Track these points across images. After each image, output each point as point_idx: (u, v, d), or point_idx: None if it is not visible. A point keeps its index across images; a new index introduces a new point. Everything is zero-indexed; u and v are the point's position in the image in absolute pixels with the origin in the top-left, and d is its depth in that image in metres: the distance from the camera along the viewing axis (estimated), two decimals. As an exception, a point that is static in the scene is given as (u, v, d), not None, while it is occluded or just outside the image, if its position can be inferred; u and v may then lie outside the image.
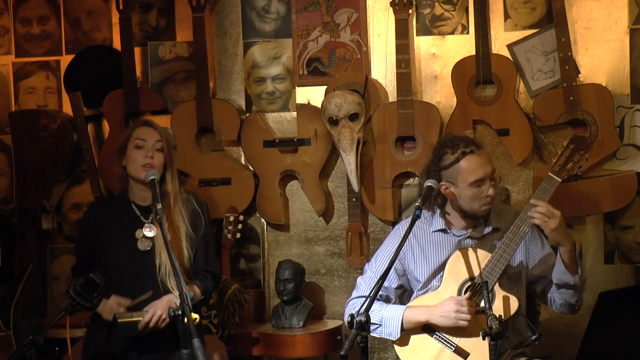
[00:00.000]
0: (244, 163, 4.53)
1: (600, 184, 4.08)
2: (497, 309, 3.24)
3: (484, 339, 3.03)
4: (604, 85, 4.12)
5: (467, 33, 4.29)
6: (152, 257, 3.64)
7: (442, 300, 3.28)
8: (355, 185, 4.24)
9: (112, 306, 3.55)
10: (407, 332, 3.37)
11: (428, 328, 3.34)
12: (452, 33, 4.32)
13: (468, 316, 3.21)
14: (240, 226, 4.37)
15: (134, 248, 3.66)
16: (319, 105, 4.33)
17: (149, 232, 3.64)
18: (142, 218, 3.70)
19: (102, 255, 3.68)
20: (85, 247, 3.76)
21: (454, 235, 3.47)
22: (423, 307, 3.34)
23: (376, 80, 4.37)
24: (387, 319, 3.37)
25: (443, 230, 3.49)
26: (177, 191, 3.71)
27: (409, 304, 3.40)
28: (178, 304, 3.44)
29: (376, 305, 3.35)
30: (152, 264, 3.63)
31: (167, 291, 3.60)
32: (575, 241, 3.36)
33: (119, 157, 3.74)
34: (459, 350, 3.28)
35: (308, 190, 4.43)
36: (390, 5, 4.27)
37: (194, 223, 3.73)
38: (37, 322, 4.59)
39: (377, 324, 3.36)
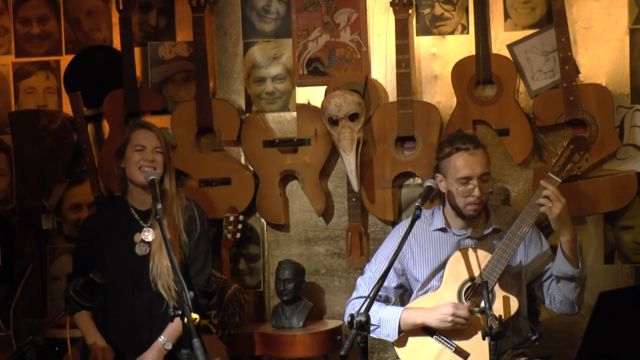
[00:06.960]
0: (244, 163, 4.52)
1: (600, 184, 4.07)
2: (498, 309, 3.24)
3: (484, 339, 3.03)
4: (604, 85, 4.12)
5: (467, 33, 4.28)
6: (149, 261, 3.61)
7: (441, 304, 3.28)
8: (355, 185, 4.24)
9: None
10: (406, 333, 3.37)
11: (428, 329, 3.34)
12: (452, 33, 4.32)
13: (464, 320, 3.21)
14: (240, 226, 4.37)
15: (132, 253, 3.64)
16: (319, 105, 4.33)
17: (147, 236, 3.62)
18: (141, 222, 3.68)
19: (101, 262, 3.65)
20: (84, 256, 3.74)
21: (453, 234, 3.48)
22: (420, 309, 3.34)
23: (376, 80, 4.37)
24: (385, 320, 3.38)
25: (443, 230, 3.50)
26: (174, 192, 3.68)
27: (407, 306, 3.41)
28: (168, 349, 3.45)
29: (375, 306, 3.34)
30: (149, 268, 3.61)
31: (158, 293, 3.57)
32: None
33: (117, 160, 3.71)
34: (459, 351, 3.28)
35: (308, 190, 4.43)
36: (390, 5, 4.27)
37: (189, 229, 3.69)
38: (37, 322, 4.58)
39: (375, 325, 3.38)
